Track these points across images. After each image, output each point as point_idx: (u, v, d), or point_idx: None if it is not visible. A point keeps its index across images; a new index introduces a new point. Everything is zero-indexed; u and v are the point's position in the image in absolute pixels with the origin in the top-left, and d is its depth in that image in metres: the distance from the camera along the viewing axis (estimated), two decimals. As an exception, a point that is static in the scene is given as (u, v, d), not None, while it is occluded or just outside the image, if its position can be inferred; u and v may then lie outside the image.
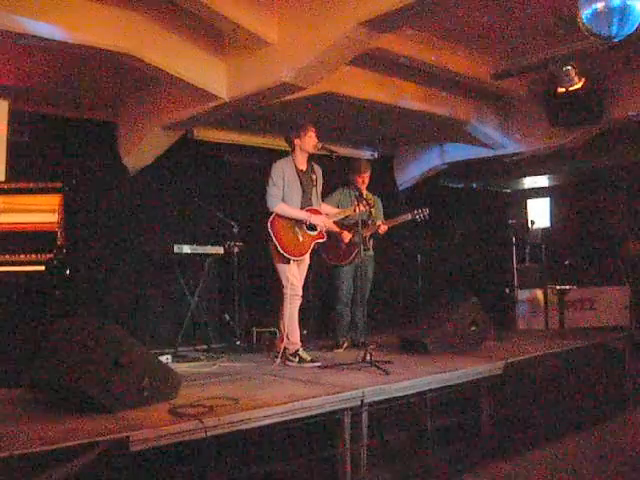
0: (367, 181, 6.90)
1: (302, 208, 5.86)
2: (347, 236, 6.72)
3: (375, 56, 6.26)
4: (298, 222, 5.83)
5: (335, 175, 6.70)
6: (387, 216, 7.08)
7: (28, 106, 6.63)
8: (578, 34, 5.20)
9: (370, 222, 6.89)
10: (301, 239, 5.84)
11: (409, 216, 6.86)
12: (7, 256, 5.04)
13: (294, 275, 5.80)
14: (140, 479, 3.30)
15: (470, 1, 5.14)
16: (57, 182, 5.47)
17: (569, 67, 6.97)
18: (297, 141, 5.87)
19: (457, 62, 6.88)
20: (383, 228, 6.86)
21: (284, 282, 5.79)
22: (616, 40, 4.58)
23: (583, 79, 7.14)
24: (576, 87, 7.19)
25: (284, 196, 5.78)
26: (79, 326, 4.19)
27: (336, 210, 6.45)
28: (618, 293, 8.68)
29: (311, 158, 6.04)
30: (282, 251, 5.70)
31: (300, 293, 5.87)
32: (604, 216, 10.54)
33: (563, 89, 7.26)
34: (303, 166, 5.95)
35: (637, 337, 7.65)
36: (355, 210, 6.09)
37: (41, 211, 5.34)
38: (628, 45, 5.41)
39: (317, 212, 5.96)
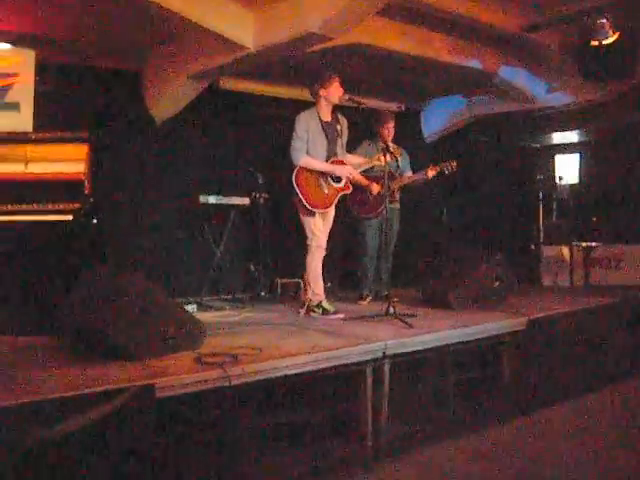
0: (392, 132, 6.85)
1: (327, 159, 5.84)
2: (376, 188, 6.68)
3: (403, 6, 6.16)
4: (323, 174, 5.82)
5: (361, 127, 6.66)
6: (414, 169, 7.04)
7: (54, 56, 6.60)
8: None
9: (397, 174, 6.86)
10: (326, 191, 5.83)
11: (437, 169, 6.81)
12: (35, 205, 5.09)
13: (319, 228, 5.81)
14: (165, 426, 3.36)
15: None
16: (84, 132, 5.49)
17: (603, 20, 6.80)
18: (322, 91, 5.81)
19: (487, 13, 6.74)
20: (431, 172, 6.80)
21: (309, 234, 5.81)
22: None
23: (618, 32, 6.97)
24: (610, 40, 7.01)
25: (309, 148, 5.76)
26: (106, 275, 4.26)
27: (362, 160, 6.40)
28: (645, 251, 8.59)
29: (337, 109, 5.99)
30: (307, 204, 5.70)
31: (324, 245, 5.88)
32: (633, 173, 10.36)
33: (596, 42, 7.08)
34: (328, 117, 5.91)
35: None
36: (380, 159, 6.02)
37: (68, 160, 5.37)
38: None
39: (342, 163, 5.94)
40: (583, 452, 4.46)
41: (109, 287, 4.04)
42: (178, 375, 3.44)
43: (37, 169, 5.33)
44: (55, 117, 6.26)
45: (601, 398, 5.76)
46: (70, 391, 3.04)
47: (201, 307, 6.47)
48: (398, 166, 6.69)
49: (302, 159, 5.73)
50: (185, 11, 5.52)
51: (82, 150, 5.41)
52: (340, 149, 5.99)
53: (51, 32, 6.22)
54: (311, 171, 5.77)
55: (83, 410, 2.96)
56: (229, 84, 7.79)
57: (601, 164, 10.82)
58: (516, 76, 8.58)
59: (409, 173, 7.01)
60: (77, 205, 5.12)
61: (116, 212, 6.89)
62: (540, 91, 8.90)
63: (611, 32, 6.94)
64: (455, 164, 6.79)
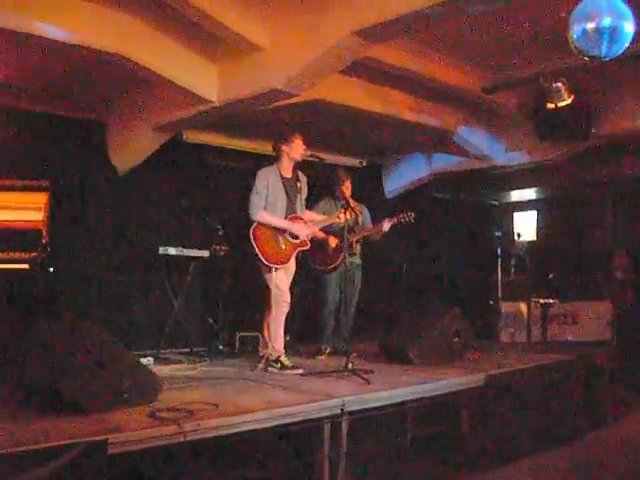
0: (350, 189, 6.89)
1: (286, 216, 5.88)
2: (333, 241, 6.75)
3: (365, 65, 6.25)
4: (280, 230, 5.83)
5: (319, 184, 6.72)
6: (374, 224, 7.09)
7: (17, 103, 6.59)
8: (568, 50, 5.23)
9: (356, 228, 6.91)
10: (283, 247, 5.84)
11: (395, 220, 6.87)
12: (-9, 254, 5.02)
13: (282, 280, 5.79)
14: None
15: (461, 15, 5.16)
16: (44, 180, 5.45)
17: (559, 83, 7.00)
18: (285, 148, 5.88)
19: (447, 74, 6.89)
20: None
21: (273, 289, 5.76)
22: (606, 60, 4.59)
23: (573, 95, 7.18)
24: (565, 103, 7.21)
25: (268, 204, 5.79)
26: (60, 326, 4.19)
27: (321, 217, 6.45)
28: (601, 308, 8.71)
29: (297, 166, 6.05)
30: (263, 259, 5.70)
31: (288, 299, 5.83)
32: (589, 230, 10.58)
33: (552, 105, 7.28)
34: (288, 174, 5.96)
35: (618, 353, 7.70)
36: (339, 217, 6.10)
37: (27, 209, 5.33)
38: (617, 63, 5.45)
39: (300, 220, 5.97)
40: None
41: (63, 339, 3.97)
42: (132, 430, 3.38)
43: (-5, 217, 5.27)
44: (15, 165, 6.21)
45: (557, 455, 5.75)
46: (18, 447, 2.95)
47: (158, 360, 6.37)
48: (357, 222, 6.75)
49: (259, 214, 5.75)
50: (151, 63, 5.54)
51: (41, 199, 5.37)
52: (299, 206, 6.03)
53: (14, 80, 6.20)
54: (268, 226, 5.79)
55: (32, 467, 2.87)
56: (193, 136, 7.82)
57: (558, 221, 11.04)
58: (475, 135, 8.76)
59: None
60: (34, 254, 5.05)
61: (74, 262, 6.80)
62: (498, 150, 9.09)
63: (566, 95, 7.14)
64: (413, 215, 6.85)
